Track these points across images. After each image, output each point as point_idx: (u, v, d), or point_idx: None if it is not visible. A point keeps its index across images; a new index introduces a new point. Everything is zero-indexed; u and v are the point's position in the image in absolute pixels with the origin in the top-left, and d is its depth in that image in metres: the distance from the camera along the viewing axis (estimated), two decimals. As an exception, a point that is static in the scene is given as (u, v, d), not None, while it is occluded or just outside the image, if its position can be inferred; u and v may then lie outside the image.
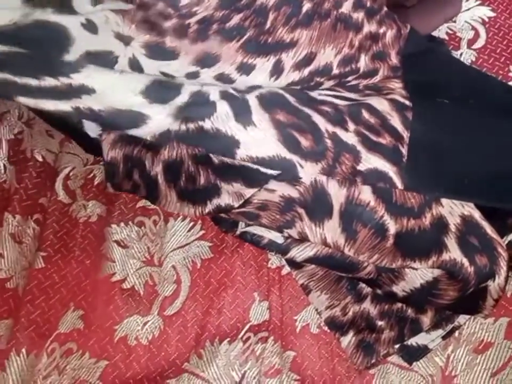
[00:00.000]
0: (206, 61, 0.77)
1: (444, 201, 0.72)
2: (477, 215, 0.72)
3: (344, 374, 0.75)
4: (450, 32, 1.09)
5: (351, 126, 0.73)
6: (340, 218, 0.70)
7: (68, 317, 0.82)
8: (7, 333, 0.79)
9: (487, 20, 1.09)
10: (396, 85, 0.84)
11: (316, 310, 0.80)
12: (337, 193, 0.70)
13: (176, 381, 0.75)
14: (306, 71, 0.81)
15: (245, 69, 0.78)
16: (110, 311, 0.81)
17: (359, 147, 0.72)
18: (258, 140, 0.69)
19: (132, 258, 0.86)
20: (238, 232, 0.83)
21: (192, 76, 0.76)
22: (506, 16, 1.11)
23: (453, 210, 0.71)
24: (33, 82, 0.63)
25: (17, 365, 0.77)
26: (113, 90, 0.66)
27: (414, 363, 0.74)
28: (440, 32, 1.09)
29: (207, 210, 0.74)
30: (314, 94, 0.79)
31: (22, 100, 0.64)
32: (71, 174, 0.95)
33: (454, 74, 0.90)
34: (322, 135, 0.71)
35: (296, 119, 0.72)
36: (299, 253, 0.76)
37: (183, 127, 0.68)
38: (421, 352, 0.74)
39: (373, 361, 0.74)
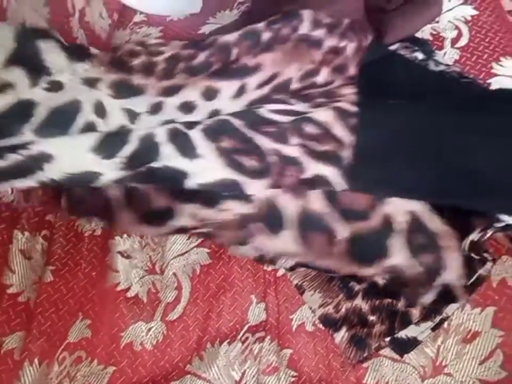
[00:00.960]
0: (171, 91, 0.83)
1: (391, 199, 0.75)
2: (425, 208, 0.75)
3: (339, 369, 0.78)
4: (434, 32, 1.12)
5: (294, 140, 0.78)
6: (294, 229, 0.75)
7: (76, 326, 0.86)
8: (20, 344, 0.84)
9: (469, 18, 1.12)
10: (349, 90, 0.87)
11: (310, 308, 0.83)
12: (289, 205, 0.75)
13: (179, 383, 0.79)
14: (266, 89, 0.86)
15: (210, 94, 0.84)
16: (115, 319, 0.85)
17: (303, 158, 0.77)
18: (205, 169, 0.75)
19: (135, 268, 0.90)
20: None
21: (156, 107, 0.82)
22: (489, 13, 1.14)
23: (400, 207, 0.75)
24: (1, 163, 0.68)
25: (30, 375, 0.82)
26: (68, 152, 0.72)
27: (406, 355, 0.77)
28: (424, 33, 1.12)
29: (163, 232, 0.79)
30: (262, 110, 0.82)
31: None
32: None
33: (410, 76, 0.93)
34: (266, 154, 0.76)
35: (240, 144, 0.77)
36: (285, 262, 0.80)
37: (133, 172, 0.73)
38: (411, 344, 0.77)
39: (365, 354, 0.77)
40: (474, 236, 0.75)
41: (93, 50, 0.89)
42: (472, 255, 0.76)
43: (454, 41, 1.08)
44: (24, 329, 0.85)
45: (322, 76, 0.91)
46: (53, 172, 0.70)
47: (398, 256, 0.73)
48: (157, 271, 0.90)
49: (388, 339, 0.77)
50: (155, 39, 0.89)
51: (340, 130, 0.80)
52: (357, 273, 0.76)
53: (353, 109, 0.83)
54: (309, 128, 0.80)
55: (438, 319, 0.77)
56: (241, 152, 0.76)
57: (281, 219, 0.76)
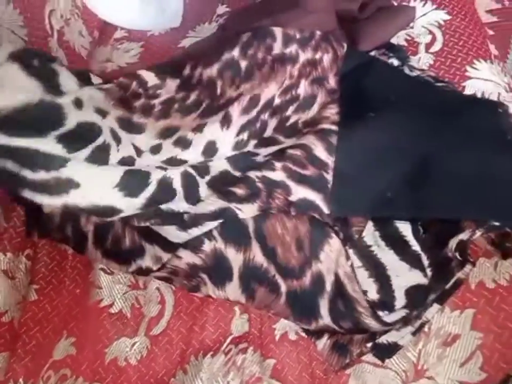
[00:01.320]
0: (167, 133, 0.88)
1: (323, 256, 0.77)
2: (348, 269, 0.77)
3: (322, 377, 0.78)
4: (409, 38, 1.13)
5: (278, 165, 0.80)
6: (239, 280, 0.79)
7: (61, 344, 0.86)
8: (5, 365, 0.84)
9: (443, 23, 1.14)
10: (331, 111, 0.88)
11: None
12: (235, 258, 0.79)
13: (164, 397, 0.79)
14: (253, 112, 0.89)
15: (199, 128, 0.87)
16: (99, 336, 0.86)
17: (288, 181, 0.79)
18: (206, 207, 0.79)
19: (118, 284, 0.90)
20: None
21: (156, 148, 0.86)
22: (461, 17, 1.15)
23: (330, 267, 0.77)
24: (29, 175, 0.70)
25: (15, 395, 0.82)
26: (94, 184, 0.75)
27: (387, 360, 0.77)
28: (399, 39, 1.13)
29: (130, 270, 0.84)
30: (259, 158, 0.87)
31: (24, 192, 0.71)
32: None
33: (389, 82, 0.94)
34: (253, 181, 0.80)
35: (233, 182, 0.81)
36: None
37: (144, 211, 0.78)
38: (392, 349, 0.77)
39: (347, 361, 0.78)
40: (463, 236, 0.77)
41: (96, 79, 0.94)
42: (457, 255, 0.77)
43: (428, 46, 1.10)
44: (8, 350, 0.85)
45: (302, 89, 0.92)
46: (78, 198, 0.73)
47: (326, 318, 0.77)
48: (140, 286, 0.90)
49: (369, 345, 0.78)
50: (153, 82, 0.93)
51: (321, 150, 0.82)
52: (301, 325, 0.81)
53: (333, 127, 0.85)
54: (291, 151, 0.82)
55: (418, 323, 0.78)
56: (233, 185, 0.80)
57: (227, 271, 0.80)
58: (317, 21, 0.93)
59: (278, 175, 0.80)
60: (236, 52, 0.92)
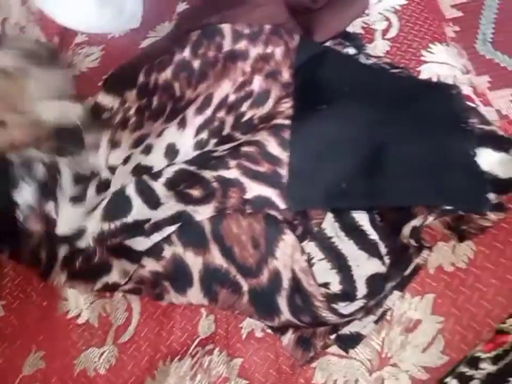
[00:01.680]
0: (138, 142, 0.90)
1: (278, 253, 0.77)
2: (304, 264, 0.77)
3: (288, 372, 0.79)
4: (365, 25, 1.12)
5: (232, 162, 0.80)
6: (200, 284, 0.80)
7: (30, 359, 0.87)
8: (-26, 384, 0.84)
9: (399, 8, 1.13)
10: (286, 105, 0.87)
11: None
12: (194, 262, 0.79)
13: (133, 404, 0.79)
14: (208, 111, 0.89)
15: (161, 132, 0.89)
16: (68, 347, 0.86)
17: (242, 179, 0.79)
18: (164, 210, 0.81)
19: (84, 294, 0.90)
20: None
21: (127, 160, 0.89)
22: (418, 1, 1.14)
23: (286, 263, 0.77)
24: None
25: (-14, 413, 0.82)
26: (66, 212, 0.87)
27: (352, 350, 0.78)
28: (355, 27, 1.12)
29: (95, 288, 0.84)
30: (216, 154, 0.86)
31: None
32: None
33: (343, 72, 0.93)
34: (208, 181, 0.80)
35: (189, 181, 0.82)
36: None
37: (112, 227, 0.81)
38: (356, 339, 0.78)
39: (312, 354, 0.78)
40: (416, 222, 0.77)
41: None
42: (412, 242, 0.77)
43: (385, 32, 1.09)
44: (-23, 369, 0.85)
45: (256, 84, 0.91)
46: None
47: (286, 313, 0.77)
48: (106, 294, 0.90)
49: (332, 337, 0.78)
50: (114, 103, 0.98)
51: (274, 147, 0.81)
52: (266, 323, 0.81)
53: (286, 122, 0.84)
54: (245, 148, 0.82)
55: (380, 311, 0.78)
56: (190, 187, 0.81)
57: (188, 276, 0.80)
58: (266, 14, 0.92)
59: (232, 173, 0.80)
60: (186, 53, 0.91)
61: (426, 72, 1.00)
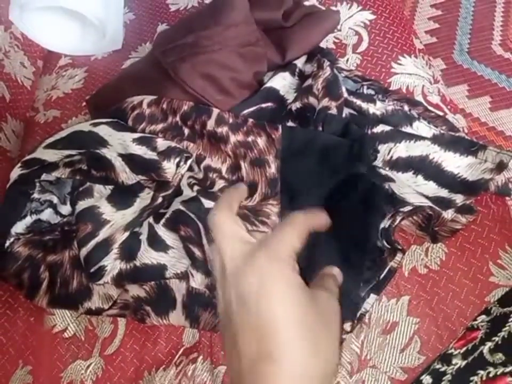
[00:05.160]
0: None
1: None
2: None
3: (271, 377, 0.80)
4: (337, 40, 1.17)
5: None
6: (182, 308, 0.81)
7: (17, 374, 0.87)
8: (-39, 402, 0.85)
9: (368, 23, 1.18)
10: (273, 209, 0.85)
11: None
12: (179, 287, 0.81)
13: (120, 415, 0.81)
14: (201, 166, 0.91)
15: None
16: (54, 361, 0.87)
17: None
18: (178, 259, 0.83)
19: (70, 310, 0.92)
20: None
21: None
22: (386, 16, 1.20)
23: None
24: None
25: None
26: None
27: (332, 354, 0.80)
28: (328, 42, 1.17)
29: (79, 312, 0.85)
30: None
31: None
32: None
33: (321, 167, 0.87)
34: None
35: (192, 233, 0.82)
36: None
37: (125, 269, 0.82)
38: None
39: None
40: (384, 223, 0.79)
41: None
42: (385, 243, 0.80)
43: (355, 46, 1.14)
44: (-36, 386, 0.86)
45: (244, 171, 0.89)
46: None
47: None
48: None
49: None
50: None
51: None
52: None
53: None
54: None
55: (358, 314, 0.80)
56: (193, 242, 0.81)
57: (171, 301, 0.82)
58: (238, 34, 0.95)
59: None
60: (178, 118, 0.93)
61: (397, 83, 1.05)
